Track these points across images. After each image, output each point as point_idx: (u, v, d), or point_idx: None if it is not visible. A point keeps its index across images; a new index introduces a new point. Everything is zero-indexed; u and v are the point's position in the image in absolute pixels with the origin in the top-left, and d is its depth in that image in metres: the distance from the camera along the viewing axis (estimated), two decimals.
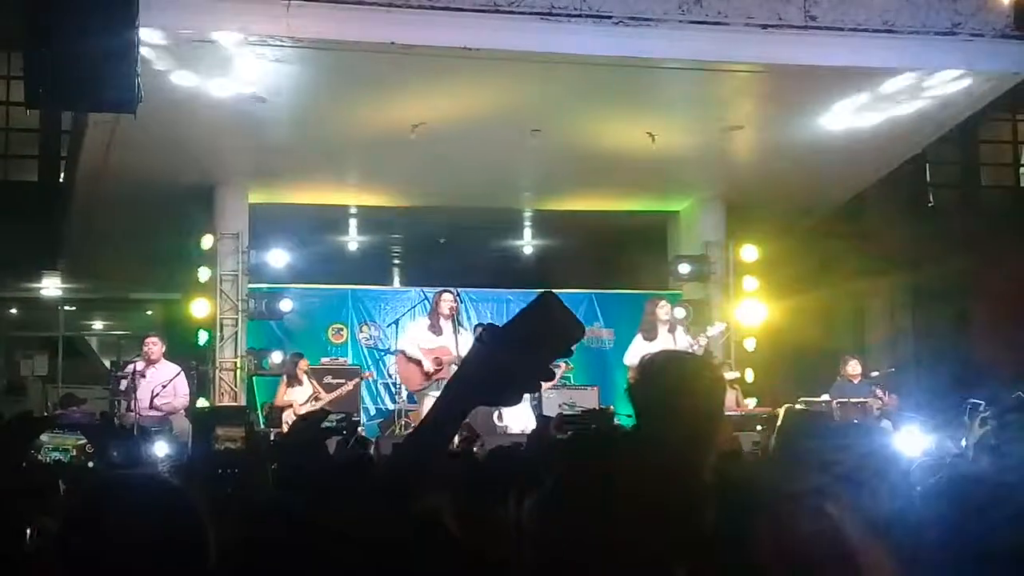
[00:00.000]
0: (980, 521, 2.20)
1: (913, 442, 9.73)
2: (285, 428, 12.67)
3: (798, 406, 12.71)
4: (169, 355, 12.40)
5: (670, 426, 3.00)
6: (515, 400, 1.94)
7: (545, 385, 12.99)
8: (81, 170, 13.61)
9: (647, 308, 12.83)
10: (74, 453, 9.60)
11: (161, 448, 10.47)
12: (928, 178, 19.36)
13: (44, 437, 9.63)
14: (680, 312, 13.05)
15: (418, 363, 11.94)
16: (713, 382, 3.27)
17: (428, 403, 11.81)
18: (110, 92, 7.15)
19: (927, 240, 16.64)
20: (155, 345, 12.20)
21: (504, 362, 1.87)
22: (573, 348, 1.90)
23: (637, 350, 12.41)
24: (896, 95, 12.18)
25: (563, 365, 13.84)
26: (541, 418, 11.87)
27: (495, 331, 1.91)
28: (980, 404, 12.17)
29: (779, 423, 3.41)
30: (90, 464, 9.32)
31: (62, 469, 8.94)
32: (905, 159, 14.94)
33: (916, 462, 4.71)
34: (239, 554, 2.26)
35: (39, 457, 9.36)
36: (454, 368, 11.72)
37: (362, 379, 13.98)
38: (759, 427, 11.44)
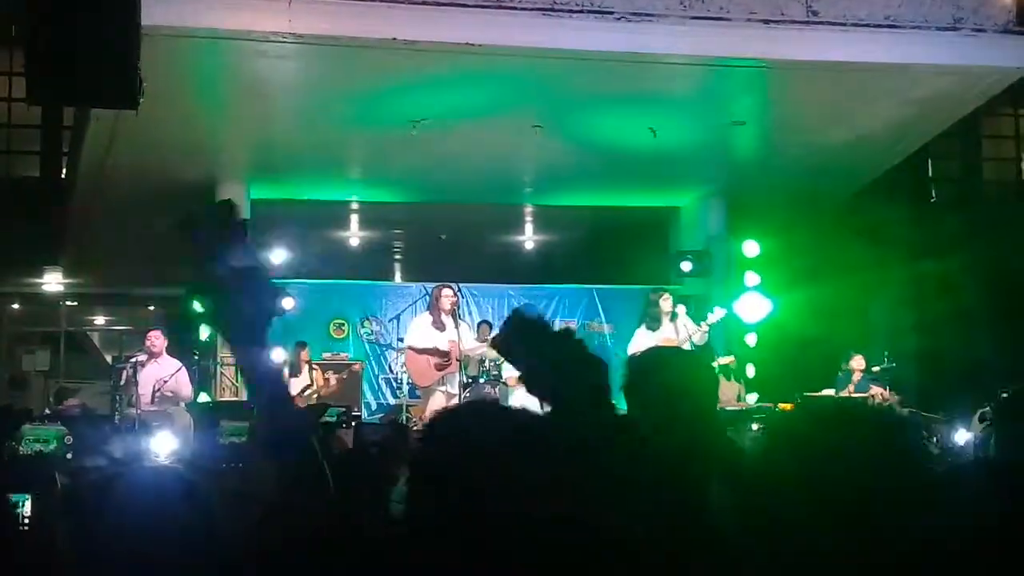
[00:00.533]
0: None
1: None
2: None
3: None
4: (171, 350, 12.41)
5: (661, 421, 3.01)
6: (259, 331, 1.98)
7: None
8: (83, 166, 13.62)
9: (651, 299, 12.82)
10: (54, 445, 9.61)
11: (164, 442, 10.51)
12: (930, 173, 19.36)
13: (26, 428, 9.69)
14: (680, 308, 13.04)
15: (428, 358, 11.95)
16: (703, 378, 3.29)
17: (434, 398, 11.80)
18: (112, 88, 7.13)
19: (929, 235, 16.64)
20: (158, 339, 12.19)
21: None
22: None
23: (640, 340, 12.42)
24: (898, 90, 12.17)
25: None
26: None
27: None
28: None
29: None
30: (68, 456, 9.37)
31: (43, 461, 9.00)
32: (908, 154, 14.94)
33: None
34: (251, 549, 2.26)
35: (20, 449, 9.40)
36: (459, 362, 11.80)
37: (352, 371, 14.01)
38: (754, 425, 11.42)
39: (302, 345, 13.48)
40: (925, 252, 16.36)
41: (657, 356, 3.74)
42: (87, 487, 2.19)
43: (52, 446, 9.54)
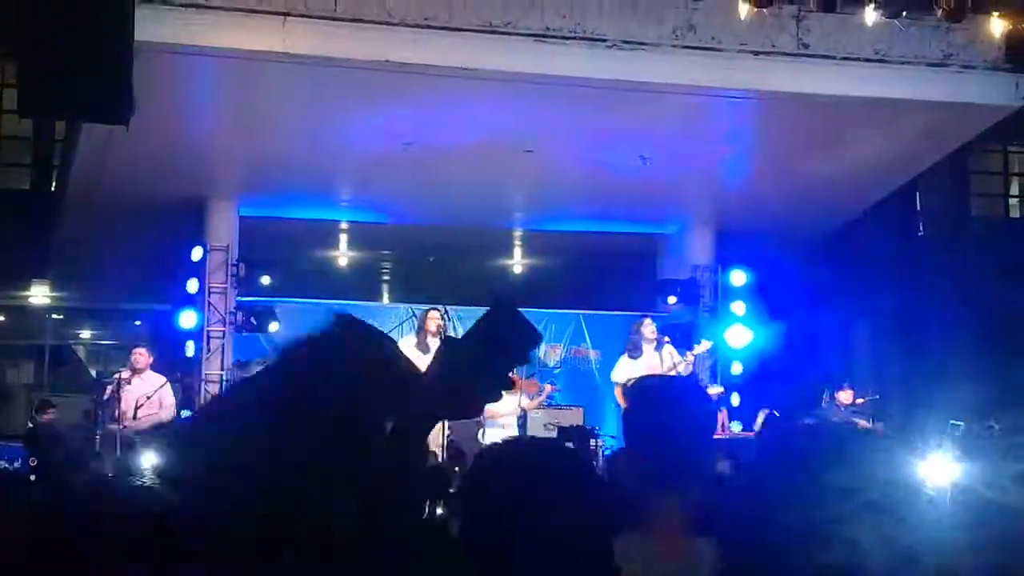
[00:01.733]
0: None
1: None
2: None
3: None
4: (156, 366, 12.38)
5: (658, 450, 3.01)
6: (476, 412, 1.97)
7: (530, 404, 13.04)
8: (73, 179, 13.61)
9: (632, 327, 12.87)
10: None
11: (146, 458, 10.46)
12: (919, 207, 19.43)
13: None
14: (666, 339, 13.08)
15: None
16: (703, 407, 3.29)
17: None
18: (104, 103, 7.14)
19: (916, 269, 16.69)
20: (142, 356, 12.18)
21: (463, 374, 1.89)
22: (530, 356, 1.92)
23: (623, 368, 12.47)
24: (887, 124, 12.24)
25: (548, 386, 13.86)
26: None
27: (453, 344, 1.93)
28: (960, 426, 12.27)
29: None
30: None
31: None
32: (896, 188, 15.00)
33: None
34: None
35: None
36: None
37: None
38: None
39: None
40: (912, 285, 16.41)
41: (661, 385, 3.74)
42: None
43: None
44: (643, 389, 3.41)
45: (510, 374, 1.93)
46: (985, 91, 11.84)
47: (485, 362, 1.88)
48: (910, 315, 17.09)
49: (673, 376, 9.83)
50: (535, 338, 1.92)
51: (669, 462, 2.98)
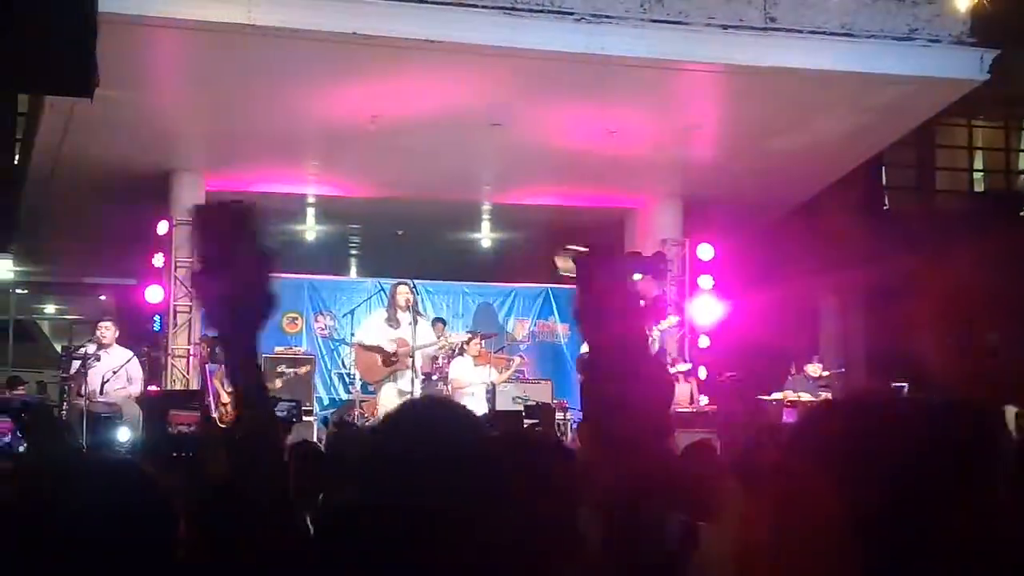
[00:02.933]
0: None
1: None
2: (219, 414, 12.69)
3: None
4: (122, 341, 12.32)
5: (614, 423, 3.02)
6: (249, 329, 1.96)
7: (499, 377, 13.07)
8: (36, 153, 13.49)
9: None
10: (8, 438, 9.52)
11: (116, 432, 10.45)
12: (884, 181, 19.55)
13: None
14: None
15: (375, 353, 11.94)
16: (657, 380, 3.29)
17: (385, 392, 11.79)
18: (67, 75, 7.06)
19: (881, 242, 16.80)
20: (108, 330, 12.10)
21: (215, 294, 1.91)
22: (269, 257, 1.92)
23: None
24: (853, 98, 12.29)
25: (518, 358, 13.89)
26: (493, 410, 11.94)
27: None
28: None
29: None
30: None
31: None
32: (862, 161, 15.08)
33: None
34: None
35: None
36: (411, 359, 11.80)
37: (305, 369, 13.93)
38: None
39: None
40: (877, 259, 16.52)
41: None
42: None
43: None
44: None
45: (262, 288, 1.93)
46: (950, 65, 11.91)
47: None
48: (875, 288, 17.21)
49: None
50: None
51: (622, 433, 2.98)
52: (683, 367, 13.72)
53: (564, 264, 1.94)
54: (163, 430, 10.01)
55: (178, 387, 13.47)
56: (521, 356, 14.34)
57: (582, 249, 1.93)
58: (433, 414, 2.10)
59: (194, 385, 13.59)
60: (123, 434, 10.63)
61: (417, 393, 11.69)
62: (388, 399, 11.57)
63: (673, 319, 13.56)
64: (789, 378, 13.48)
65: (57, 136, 12.51)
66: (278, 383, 13.24)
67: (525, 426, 10.65)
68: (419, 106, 12.11)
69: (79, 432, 10.91)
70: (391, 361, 11.87)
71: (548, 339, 16.16)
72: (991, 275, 15.29)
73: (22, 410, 10.51)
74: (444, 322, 14.35)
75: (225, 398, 13.02)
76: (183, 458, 8.94)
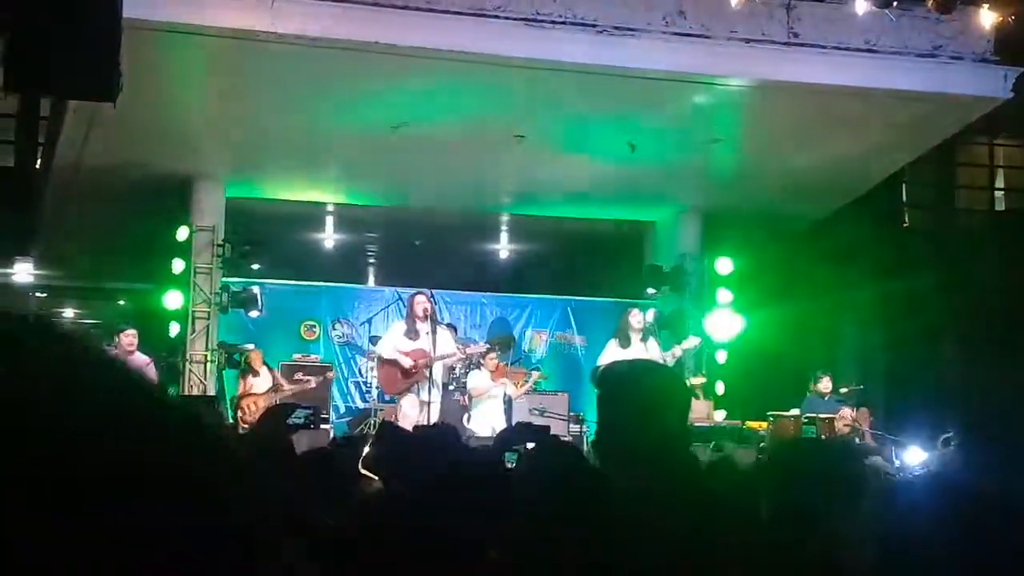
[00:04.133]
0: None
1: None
2: (241, 417, 12.70)
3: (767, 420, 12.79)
4: (140, 346, 12.36)
5: (632, 437, 3.00)
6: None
7: (516, 391, 13.04)
8: (58, 157, 13.53)
9: (622, 316, 12.88)
10: None
11: None
12: (904, 198, 19.48)
13: None
14: (649, 316, 13.05)
15: (394, 366, 11.91)
16: (676, 392, 3.27)
17: (406, 403, 11.77)
18: (91, 80, 7.09)
19: (900, 260, 16.75)
20: (133, 337, 12.18)
21: None
22: None
23: (610, 355, 12.46)
24: (875, 115, 12.25)
25: (535, 373, 13.85)
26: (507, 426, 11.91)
27: None
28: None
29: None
30: None
31: None
32: (882, 178, 15.03)
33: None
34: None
35: None
36: (428, 370, 11.78)
37: (327, 379, 13.92)
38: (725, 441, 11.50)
39: (254, 348, 13.47)
40: (896, 276, 16.46)
41: (633, 368, 3.73)
42: None
43: None
44: (610, 375, 3.41)
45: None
46: (973, 83, 11.86)
47: None
48: (894, 305, 17.15)
49: (641, 361, 9.72)
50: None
51: (637, 447, 2.97)
52: (697, 380, 13.69)
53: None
54: None
55: (195, 392, 13.48)
56: (538, 369, 14.32)
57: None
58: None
59: (211, 391, 13.62)
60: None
61: (436, 403, 11.67)
62: (410, 409, 11.56)
63: (695, 339, 13.49)
64: (808, 395, 13.41)
65: (79, 141, 12.55)
66: (290, 386, 13.26)
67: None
68: (441, 116, 12.12)
69: None
70: (410, 374, 11.86)
71: (566, 351, 16.14)
72: (1011, 293, 15.21)
73: None
74: (455, 328, 14.31)
75: (243, 402, 13.05)
76: None
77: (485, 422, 12.24)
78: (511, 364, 13.90)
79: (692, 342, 13.33)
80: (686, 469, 3.03)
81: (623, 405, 3.15)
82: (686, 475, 2.95)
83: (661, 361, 12.10)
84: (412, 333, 11.99)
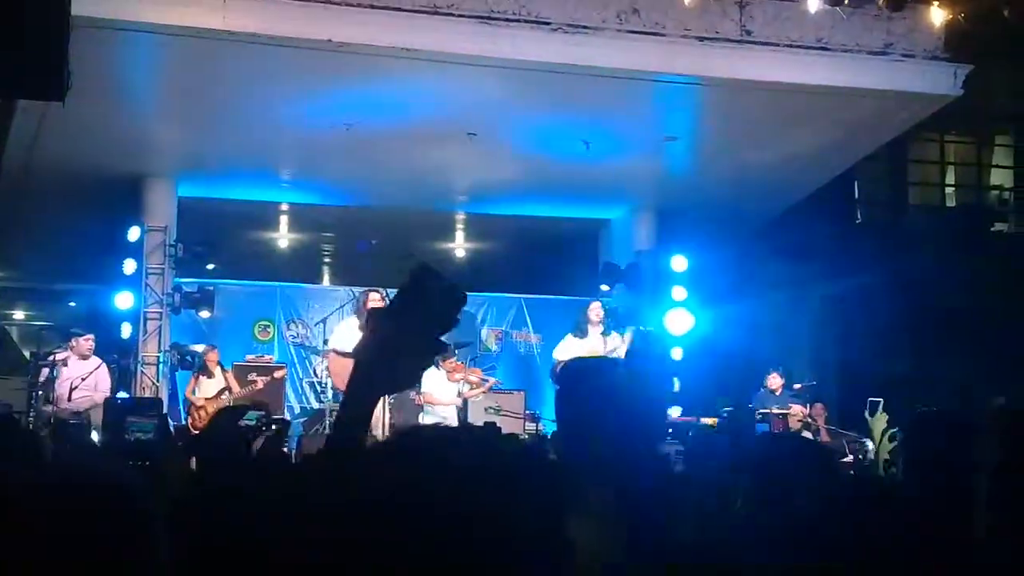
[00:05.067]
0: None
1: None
2: (191, 420, 12.60)
3: (711, 420, 12.86)
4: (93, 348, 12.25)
5: (591, 434, 2.98)
6: (413, 380, 1.96)
7: (471, 392, 13.01)
8: (7, 157, 13.36)
9: (582, 309, 12.96)
10: None
11: (82, 439, 10.35)
12: (856, 195, 19.63)
13: None
14: (599, 313, 13.10)
15: (348, 363, 11.85)
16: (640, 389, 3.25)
17: None
18: (39, 78, 7.01)
19: (854, 256, 16.87)
20: (90, 342, 12.06)
21: (392, 344, 1.88)
22: (458, 317, 1.91)
23: (567, 346, 12.51)
24: (827, 112, 12.33)
25: (491, 379, 13.81)
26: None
27: (377, 315, 1.92)
28: (879, 402, 12.48)
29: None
30: None
31: None
32: (835, 175, 15.14)
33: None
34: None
35: None
36: None
37: (276, 379, 13.81)
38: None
39: (210, 347, 13.37)
40: (849, 272, 16.59)
41: (593, 365, 3.70)
42: None
43: None
44: (571, 371, 3.37)
45: (441, 339, 1.91)
46: (924, 80, 11.97)
47: (413, 327, 1.87)
48: (848, 301, 17.28)
49: (604, 357, 9.77)
50: (459, 299, 1.91)
51: (599, 444, 2.94)
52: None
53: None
54: (120, 437, 9.91)
55: (148, 395, 13.35)
56: (493, 375, 14.29)
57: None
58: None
59: (163, 393, 13.50)
60: (89, 441, 10.52)
61: (391, 401, 11.62)
62: None
63: (647, 329, 13.55)
64: (761, 390, 13.51)
65: (28, 140, 12.40)
66: (256, 386, 13.17)
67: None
68: (394, 114, 12.07)
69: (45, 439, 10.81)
70: None
71: (521, 349, 16.14)
72: (962, 289, 15.35)
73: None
74: None
75: (197, 402, 12.94)
76: (139, 465, 8.86)
77: (440, 422, 12.20)
78: (468, 362, 13.87)
79: (643, 331, 13.41)
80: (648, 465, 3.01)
81: (583, 402, 3.12)
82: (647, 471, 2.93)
83: (614, 353, 12.17)
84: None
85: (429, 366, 1.93)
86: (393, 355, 1.89)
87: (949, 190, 20.69)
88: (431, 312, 1.88)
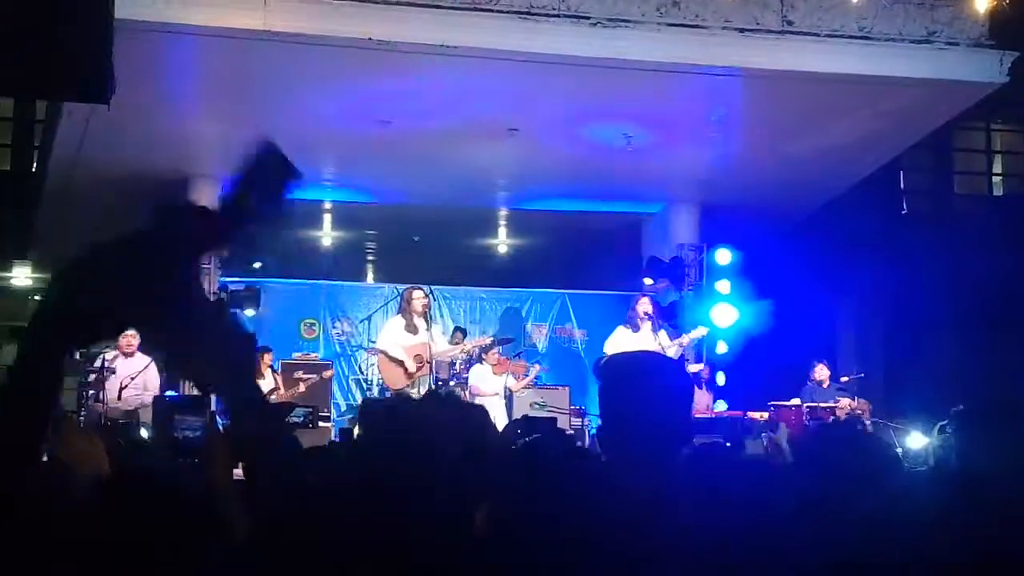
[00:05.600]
0: None
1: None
2: None
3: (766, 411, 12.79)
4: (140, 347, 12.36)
5: (633, 428, 2.98)
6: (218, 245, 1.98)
7: (517, 385, 13.03)
8: (54, 160, 13.52)
9: (633, 304, 12.91)
10: None
11: (133, 438, 10.47)
12: (902, 185, 19.46)
13: None
14: (648, 307, 13.05)
15: (400, 363, 11.91)
16: (679, 383, 3.25)
17: None
18: (84, 81, 7.09)
19: (900, 246, 16.73)
20: (130, 339, 12.16)
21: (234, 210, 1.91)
22: (287, 185, 1.89)
23: (618, 339, 12.45)
24: (871, 102, 12.23)
25: (535, 366, 13.85)
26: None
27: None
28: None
29: None
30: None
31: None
32: (880, 166, 15.01)
33: None
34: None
35: None
36: (430, 366, 11.78)
37: (323, 378, 13.88)
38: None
39: (265, 349, 13.45)
40: (896, 263, 16.45)
41: (634, 359, 3.71)
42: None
43: None
44: (611, 365, 3.38)
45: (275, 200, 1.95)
46: (969, 68, 11.83)
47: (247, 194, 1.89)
48: (894, 293, 17.14)
49: (643, 352, 9.70)
50: (288, 169, 1.89)
51: (638, 437, 2.94)
52: (696, 367, 13.68)
53: None
54: (170, 435, 10.02)
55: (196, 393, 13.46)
56: (539, 363, 14.31)
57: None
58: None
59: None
60: (140, 439, 10.63)
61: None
62: None
63: (703, 329, 13.49)
64: (808, 384, 13.41)
65: (74, 143, 12.54)
66: (298, 389, 13.26)
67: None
68: (435, 111, 12.10)
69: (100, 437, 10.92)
70: (416, 368, 11.86)
71: (566, 345, 16.12)
72: (1010, 278, 15.19)
73: None
74: (464, 332, 14.34)
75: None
76: (187, 463, 8.97)
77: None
78: (513, 357, 13.89)
79: (700, 332, 13.34)
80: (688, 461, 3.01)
81: (624, 396, 3.12)
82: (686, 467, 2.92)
83: (668, 350, 12.12)
84: (411, 328, 11.98)
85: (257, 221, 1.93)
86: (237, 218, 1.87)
87: (996, 179, 20.47)
88: (262, 179, 1.86)
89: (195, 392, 11.35)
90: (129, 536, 1.83)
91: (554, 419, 11.89)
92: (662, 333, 12.68)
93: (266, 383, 13.16)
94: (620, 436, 3.04)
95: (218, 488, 2.08)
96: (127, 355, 11.96)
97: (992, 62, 11.75)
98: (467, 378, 12.81)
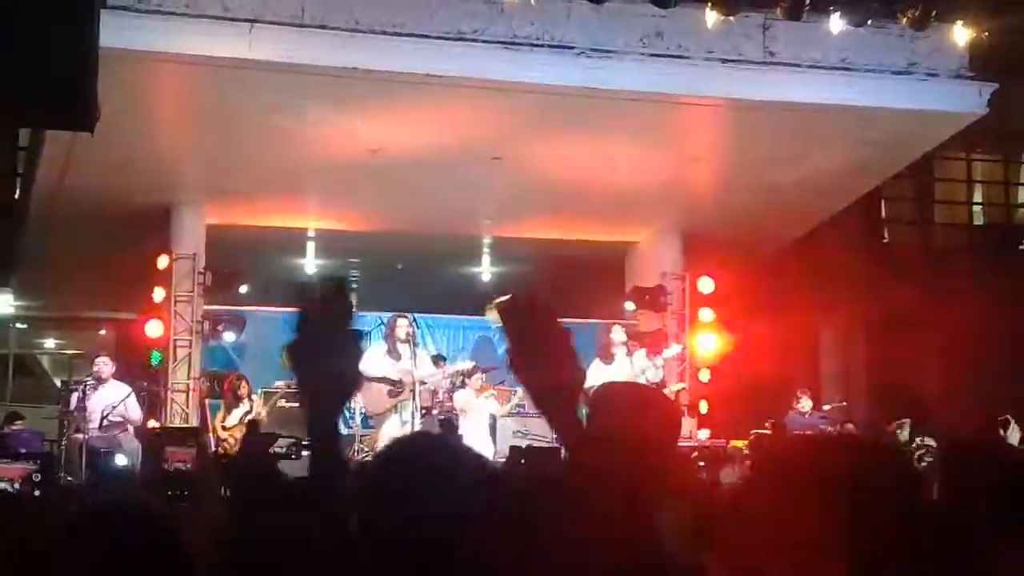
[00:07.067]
0: None
1: None
2: (223, 447, 12.60)
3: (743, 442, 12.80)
4: (121, 375, 12.30)
5: (619, 459, 2.98)
6: (336, 409, 2.19)
7: (500, 409, 13.01)
8: (36, 187, 13.49)
9: (601, 334, 12.89)
10: (19, 484, 9.31)
11: (114, 467, 10.42)
12: (883, 214, 19.57)
13: None
14: (634, 344, 13.05)
15: (380, 386, 11.88)
16: (666, 413, 3.25)
17: (388, 425, 11.73)
18: (68, 109, 7.07)
19: (881, 275, 16.81)
20: (105, 365, 12.10)
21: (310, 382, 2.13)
22: (360, 342, 2.15)
23: (594, 373, 12.44)
24: (852, 132, 12.31)
25: (520, 391, 13.82)
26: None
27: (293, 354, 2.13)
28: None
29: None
30: (37, 493, 9.17)
31: (10, 500, 8.75)
32: (861, 195, 15.09)
33: None
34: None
35: None
36: (412, 390, 11.76)
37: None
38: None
39: (240, 377, 13.31)
40: (877, 291, 16.52)
41: (620, 391, 3.70)
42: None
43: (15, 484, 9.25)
44: (601, 396, 3.37)
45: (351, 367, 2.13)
46: (949, 99, 11.94)
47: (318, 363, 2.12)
48: (875, 321, 17.20)
49: (630, 383, 9.69)
50: (346, 310, 2.15)
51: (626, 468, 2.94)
52: (677, 387, 13.67)
53: (492, 316, 2.13)
54: (159, 468, 9.97)
55: (177, 422, 13.40)
56: (507, 385, 14.28)
57: (505, 299, 2.06)
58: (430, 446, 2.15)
59: (193, 420, 13.53)
60: (121, 469, 10.59)
61: (417, 426, 11.64)
62: (392, 430, 11.51)
63: (676, 347, 13.49)
64: (790, 412, 13.44)
65: (57, 170, 12.52)
66: (275, 418, 13.16)
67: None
68: (419, 140, 12.13)
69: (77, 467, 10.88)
70: (396, 392, 11.82)
71: None
72: (990, 307, 15.23)
73: None
74: (444, 359, 14.30)
75: (222, 433, 12.96)
76: (178, 496, 8.93)
77: (471, 442, 12.20)
78: (497, 384, 13.86)
79: (674, 349, 13.34)
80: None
81: (614, 427, 3.13)
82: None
83: (644, 375, 12.11)
84: (393, 354, 11.97)
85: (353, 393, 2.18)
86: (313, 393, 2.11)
87: (976, 208, 20.60)
88: (334, 348, 2.10)
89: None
90: None
91: (557, 449, 11.84)
92: (638, 355, 12.68)
93: (243, 410, 13.06)
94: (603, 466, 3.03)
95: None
96: (102, 380, 11.91)
97: (972, 93, 11.86)
98: (450, 406, 12.79)
